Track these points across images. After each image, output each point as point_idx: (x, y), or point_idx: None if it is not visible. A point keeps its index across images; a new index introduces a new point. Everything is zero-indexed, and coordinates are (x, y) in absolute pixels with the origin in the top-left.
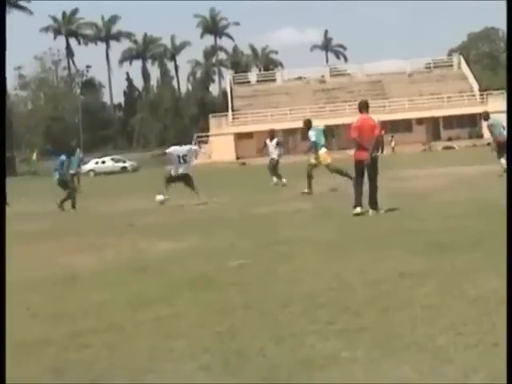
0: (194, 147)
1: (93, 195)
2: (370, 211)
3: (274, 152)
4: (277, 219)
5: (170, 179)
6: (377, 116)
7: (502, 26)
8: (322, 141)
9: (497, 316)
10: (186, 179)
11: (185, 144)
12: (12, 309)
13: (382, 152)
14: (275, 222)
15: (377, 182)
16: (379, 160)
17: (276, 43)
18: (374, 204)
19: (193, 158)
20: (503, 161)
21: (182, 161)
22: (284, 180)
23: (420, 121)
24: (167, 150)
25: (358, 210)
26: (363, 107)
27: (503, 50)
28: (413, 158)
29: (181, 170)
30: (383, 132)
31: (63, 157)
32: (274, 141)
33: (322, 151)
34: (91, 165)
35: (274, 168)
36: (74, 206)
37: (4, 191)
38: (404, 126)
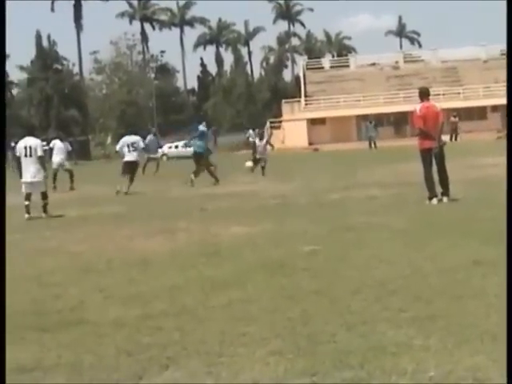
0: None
1: (168, 178)
2: (444, 198)
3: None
4: (350, 205)
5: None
6: (451, 103)
7: None
8: None
9: None
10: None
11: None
12: (85, 291)
13: (456, 139)
14: (348, 208)
15: (446, 169)
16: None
17: (349, 29)
18: (446, 191)
19: (141, 147)
20: None
21: (131, 149)
22: None
23: (495, 108)
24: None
25: (435, 201)
26: (424, 95)
27: None
28: (488, 146)
29: (129, 158)
30: (457, 119)
31: (203, 128)
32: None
33: None
34: (164, 149)
35: None
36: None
37: (4, 191)
38: (479, 113)
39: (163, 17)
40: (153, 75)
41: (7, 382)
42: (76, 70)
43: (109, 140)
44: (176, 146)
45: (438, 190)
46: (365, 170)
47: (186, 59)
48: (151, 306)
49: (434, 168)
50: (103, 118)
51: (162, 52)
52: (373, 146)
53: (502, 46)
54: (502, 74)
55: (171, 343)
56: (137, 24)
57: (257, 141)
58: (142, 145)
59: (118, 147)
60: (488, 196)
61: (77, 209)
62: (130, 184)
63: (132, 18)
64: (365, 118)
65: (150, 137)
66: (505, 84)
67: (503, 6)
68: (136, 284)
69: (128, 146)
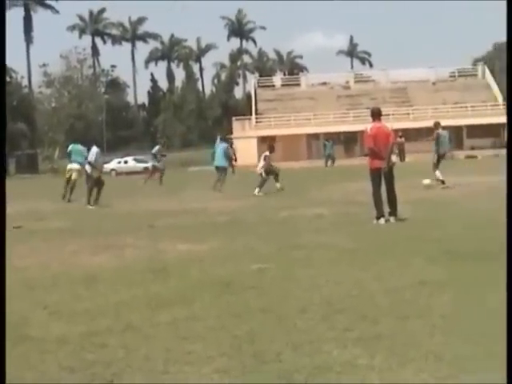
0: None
1: (113, 195)
2: (392, 218)
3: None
4: (298, 224)
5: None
6: (400, 123)
7: None
8: None
9: None
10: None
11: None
12: (30, 307)
13: (403, 160)
14: (296, 226)
15: (394, 189)
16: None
17: (301, 48)
18: (394, 211)
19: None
20: (438, 173)
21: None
22: None
23: (443, 129)
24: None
25: (382, 221)
26: (376, 115)
27: None
28: None
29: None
30: (403, 139)
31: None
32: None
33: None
34: (113, 164)
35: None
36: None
37: (4, 191)
38: (427, 133)
39: (115, 31)
40: (103, 89)
41: (7, 382)
42: (25, 82)
43: (56, 154)
44: (126, 161)
45: (386, 209)
46: (314, 188)
47: (137, 74)
48: (96, 322)
49: (383, 188)
50: (51, 132)
51: (113, 66)
52: (330, 163)
53: (451, 68)
54: (450, 96)
55: (115, 360)
56: (88, 38)
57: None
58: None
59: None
60: (435, 216)
61: (22, 223)
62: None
63: (83, 31)
64: (315, 136)
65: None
66: (452, 106)
67: (453, 30)
68: (81, 300)
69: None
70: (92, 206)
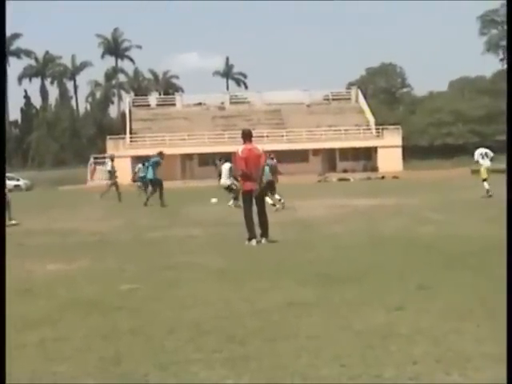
0: None
1: None
2: (263, 240)
3: None
4: (169, 244)
5: None
6: (275, 145)
7: (399, 62)
8: None
9: (380, 349)
10: None
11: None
12: None
13: (277, 181)
14: (167, 247)
15: (265, 211)
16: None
17: (177, 68)
18: (265, 233)
19: None
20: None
21: None
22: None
23: (316, 152)
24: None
25: (254, 242)
26: (247, 137)
27: (400, 85)
28: (307, 189)
29: None
30: (275, 161)
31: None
32: None
33: None
34: None
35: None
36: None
37: (4, 191)
38: (301, 156)
39: None
40: None
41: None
42: None
43: None
44: None
45: (258, 231)
46: (187, 208)
47: (9, 90)
48: None
49: (255, 209)
50: None
51: None
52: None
53: (325, 91)
54: (325, 119)
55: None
56: None
57: None
58: None
59: None
60: (306, 238)
61: None
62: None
63: None
64: (190, 157)
65: None
66: (326, 129)
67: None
68: None
69: None
70: None
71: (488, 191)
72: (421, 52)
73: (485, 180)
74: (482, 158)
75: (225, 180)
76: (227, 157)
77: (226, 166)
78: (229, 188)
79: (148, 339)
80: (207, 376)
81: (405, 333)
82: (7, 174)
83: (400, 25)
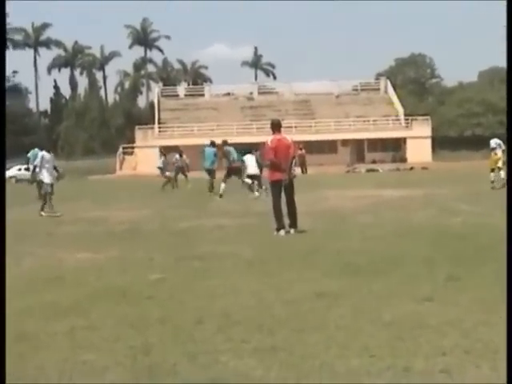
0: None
1: (11, 202)
2: (292, 230)
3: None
4: (198, 234)
5: None
6: (303, 136)
7: (429, 52)
8: None
9: (410, 341)
10: None
11: None
12: None
13: (305, 172)
14: (196, 236)
15: (294, 201)
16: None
17: (206, 58)
18: (294, 223)
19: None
20: (223, 185)
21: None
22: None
23: (345, 142)
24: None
25: (282, 233)
26: (276, 127)
27: (429, 76)
28: (336, 179)
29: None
30: (304, 151)
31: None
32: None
33: None
34: (13, 171)
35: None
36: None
37: (4, 191)
38: (329, 146)
39: (17, 37)
40: None
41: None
42: None
43: None
44: (26, 169)
45: (287, 221)
46: (217, 198)
47: (39, 81)
48: None
49: (284, 199)
50: None
51: (15, 72)
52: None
53: (354, 81)
54: (353, 110)
55: (9, 371)
56: None
57: None
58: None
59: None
60: (335, 228)
61: None
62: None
63: None
64: (218, 147)
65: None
66: (355, 120)
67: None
68: None
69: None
70: None
71: (492, 182)
72: (450, 42)
73: (493, 170)
74: (499, 147)
75: (254, 168)
76: (255, 147)
77: (249, 157)
78: (253, 177)
79: (177, 329)
80: (236, 366)
81: (434, 324)
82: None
83: (429, 14)
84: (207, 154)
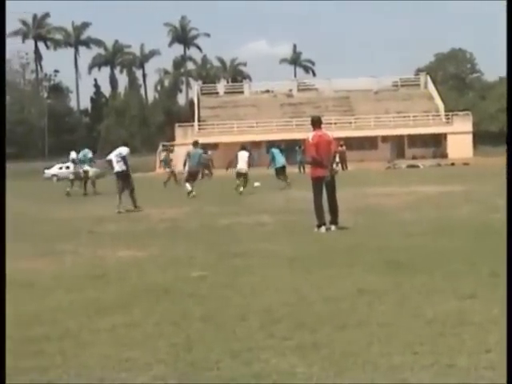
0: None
1: (54, 200)
2: (333, 227)
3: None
4: (239, 231)
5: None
6: (343, 132)
7: (469, 47)
8: None
9: (453, 338)
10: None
11: None
12: None
13: (346, 168)
14: (237, 234)
15: (336, 197)
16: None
17: (245, 55)
18: (335, 220)
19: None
20: (188, 185)
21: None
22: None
23: (385, 138)
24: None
25: (323, 229)
26: (316, 123)
27: (470, 71)
28: (377, 176)
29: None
30: (344, 148)
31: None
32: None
33: None
34: (55, 170)
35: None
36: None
37: (4, 191)
38: (369, 143)
39: (58, 36)
40: (46, 94)
41: (7, 382)
42: None
43: None
44: (67, 167)
45: (328, 218)
46: (256, 196)
47: (80, 80)
48: (33, 329)
49: (325, 196)
50: None
51: (56, 71)
52: (302, 170)
53: (393, 78)
54: (393, 106)
55: (52, 367)
56: (31, 42)
57: None
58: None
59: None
60: (376, 225)
61: None
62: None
63: (25, 36)
64: (258, 144)
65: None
66: (395, 116)
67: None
68: (17, 306)
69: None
70: None
71: None
72: (490, 37)
73: None
74: None
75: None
76: (294, 144)
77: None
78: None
79: (219, 326)
80: (278, 363)
81: (477, 321)
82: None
83: (469, 9)
84: (276, 154)
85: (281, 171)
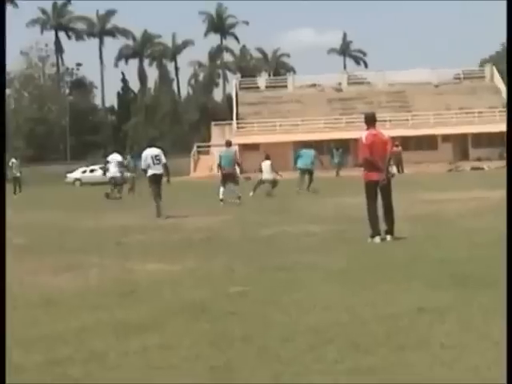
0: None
1: (77, 207)
2: (388, 237)
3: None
4: (284, 242)
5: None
6: (398, 131)
7: None
8: None
9: None
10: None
11: None
12: None
13: (402, 171)
14: (281, 245)
15: (392, 204)
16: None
17: (288, 46)
18: (391, 229)
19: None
20: (222, 189)
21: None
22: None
23: (446, 138)
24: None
25: (378, 240)
26: (371, 121)
27: None
28: (437, 179)
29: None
30: (400, 148)
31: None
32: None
33: None
34: (77, 173)
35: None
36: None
37: (4, 191)
38: (428, 142)
39: (80, 26)
40: (67, 90)
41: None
42: None
43: (12, 162)
44: (92, 170)
45: (383, 227)
46: (303, 202)
47: (105, 73)
48: (56, 350)
49: (379, 202)
50: (9, 137)
51: (79, 65)
52: (337, 173)
53: (455, 69)
54: (455, 101)
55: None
56: (50, 33)
57: None
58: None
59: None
60: (437, 235)
61: None
62: (159, 200)
63: (45, 26)
64: (304, 144)
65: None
66: (457, 112)
67: (458, 27)
68: (39, 326)
69: (152, 159)
70: None
71: None
72: None
73: None
74: None
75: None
76: (344, 145)
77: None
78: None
79: (261, 347)
80: None
81: None
82: (94, 167)
83: None
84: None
85: (303, 174)
